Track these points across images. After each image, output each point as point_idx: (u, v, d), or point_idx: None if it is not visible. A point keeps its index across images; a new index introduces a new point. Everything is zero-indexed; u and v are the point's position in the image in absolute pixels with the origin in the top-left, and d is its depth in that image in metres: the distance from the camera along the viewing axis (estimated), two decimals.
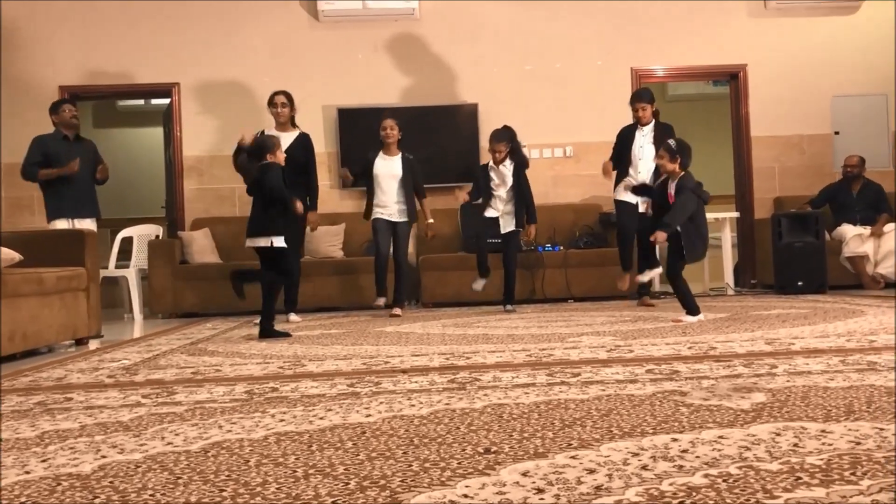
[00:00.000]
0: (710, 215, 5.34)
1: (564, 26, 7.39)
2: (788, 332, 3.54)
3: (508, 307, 5.58)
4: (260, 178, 4.37)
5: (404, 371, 2.77)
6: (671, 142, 4.38)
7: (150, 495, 1.37)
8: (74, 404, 2.36)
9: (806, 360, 2.65)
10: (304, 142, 5.39)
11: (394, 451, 1.61)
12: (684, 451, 1.51)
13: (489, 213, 5.61)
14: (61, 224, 5.50)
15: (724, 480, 1.31)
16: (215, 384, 2.65)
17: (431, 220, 5.70)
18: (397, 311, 5.53)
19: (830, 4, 7.44)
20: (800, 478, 1.30)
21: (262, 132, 5.29)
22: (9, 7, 7.09)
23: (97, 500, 1.35)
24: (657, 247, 4.83)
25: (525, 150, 7.09)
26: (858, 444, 1.51)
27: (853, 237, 6.53)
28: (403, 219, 5.55)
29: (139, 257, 6.66)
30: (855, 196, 6.81)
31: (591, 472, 1.39)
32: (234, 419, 2.02)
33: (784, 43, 7.46)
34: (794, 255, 6.31)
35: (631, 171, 5.57)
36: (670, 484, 1.30)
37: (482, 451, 1.58)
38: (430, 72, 7.31)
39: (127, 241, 6.65)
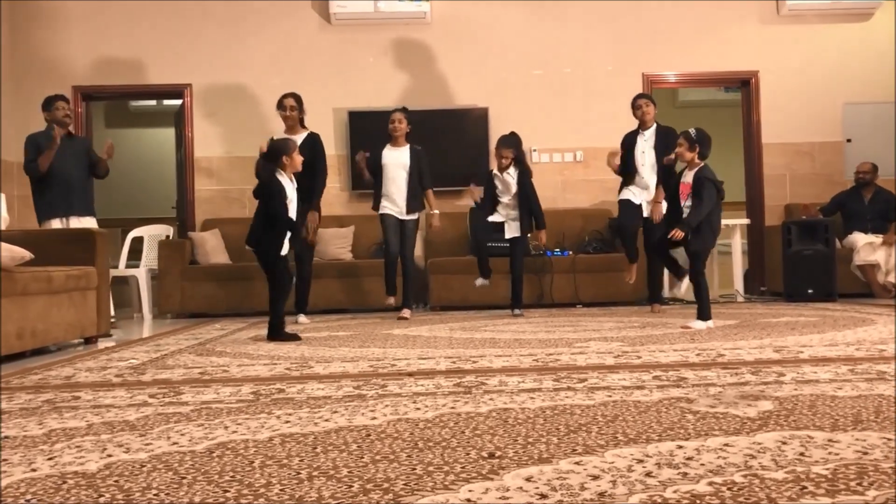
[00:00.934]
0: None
1: (575, 31, 7.39)
2: (797, 340, 3.53)
3: (516, 311, 5.58)
4: (265, 195, 4.25)
5: (410, 374, 2.77)
6: (691, 130, 4.33)
7: (155, 495, 1.37)
8: (82, 403, 2.37)
9: (814, 369, 2.64)
10: (311, 142, 5.36)
11: (398, 455, 1.61)
12: (689, 458, 1.50)
13: (494, 216, 5.62)
14: (55, 224, 5.25)
15: (729, 488, 1.30)
16: (222, 385, 2.66)
17: (437, 211, 5.68)
18: (406, 313, 5.53)
19: (843, 11, 7.40)
20: (805, 487, 1.30)
21: (272, 138, 5.28)
22: (22, 7, 7.14)
23: (102, 499, 1.36)
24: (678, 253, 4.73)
25: (535, 155, 7.10)
26: (865, 454, 1.50)
27: (864, 245, 6.49)
28: (411, 216, 5.54)
29: (149, 257, 6.70)
30: (867, 204, 6.77)
31: (595, 478, 1.39)
32: (240, 420, 2.02)
33: (796, 49, 7.44)
34: (804, 263, 6.28)
35: (636, 178, 5.54)
36: (674, 491, 1.30)
37: (486, 455, 1.58)
38: (440, 75, 7.32)
39: (137, 241, 6.68)
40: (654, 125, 5.53)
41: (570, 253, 6.55)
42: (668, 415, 1.93)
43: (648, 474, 1.40)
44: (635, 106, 5.55)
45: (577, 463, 1.49)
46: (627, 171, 5.58)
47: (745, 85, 7.54)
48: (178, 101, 7.46)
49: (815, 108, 7.42)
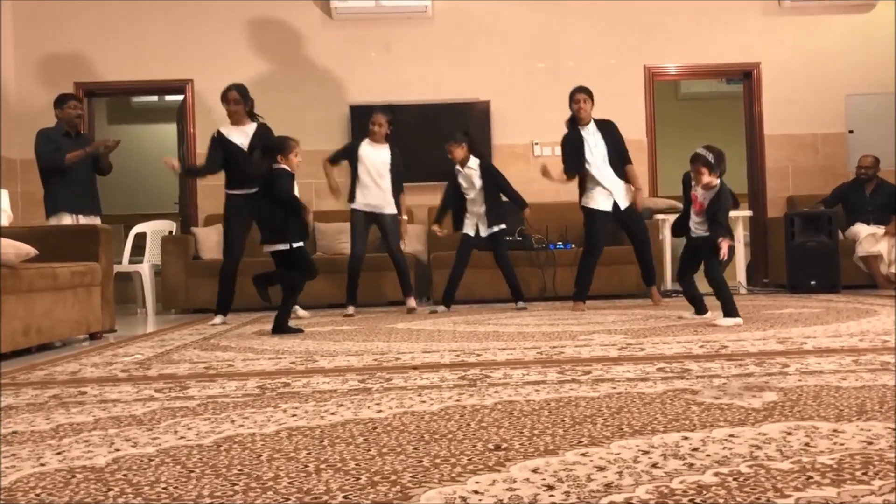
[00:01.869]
0: None
1: (577, 24, 7.38)
2: (801, 332, 3.53)
3: (520, 304, 5.58)
4: (270, 183, 4.28)
5: (415, 367, 2.78)
6: (704, 153, 3.99)
7: (163, 488, 1.38)
8: (88, 398, 2.38)
9: (818, 360, 2.64)
10: (264, 133, 5.19)
11: (404, 447, 1.61)
12: (695, 449, 1.51)
13: (465, 228, 5.50)
14: (65, 219, 5.30)
15: (735, 479, 1.31)
16: (227, 379, 2.66)
17: (405, 217, 5.65)
18: (412, 302, 5.53)
19: (845, 2, 7.39)
20: (811, 477, 1.30)
21: (218, 131, 5.22)
22: (25, 5, 7.14)
23: (111, 493, 1.37)
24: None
25: (538, 148, 7.08)
26: (870, 443, 1.51)
27: (867, 236, 6.49)
28: (391, 211, 5.47)
29: (153, 253, 6.71)
30: (868, 196, 6.76)
31: (602, 469, 1.40)
32: (247, 414, 2.03)
33: (798, 41, 7.42)
34: (808, 255, 6.28)
35: (595, 174, 5.24)
36: (680, 482, 1.30)
37: (492, 447, 1.58)
38: (441, 69, 7.31)
39: (140, 237, 6.70)
40: (592, 120, 5.32)
41: (573, 246, 6.55)
42: (673, 406, 1.94)
43: (654, 465, 1.41)
44: (573, 100, 5.29)
45: (583, 454, 1.50)
46: (579, 173, 5.31)
47: (746, 77, 7.53)
48: (180, 97, 7.46)
49: (818, 100, 7.41)
